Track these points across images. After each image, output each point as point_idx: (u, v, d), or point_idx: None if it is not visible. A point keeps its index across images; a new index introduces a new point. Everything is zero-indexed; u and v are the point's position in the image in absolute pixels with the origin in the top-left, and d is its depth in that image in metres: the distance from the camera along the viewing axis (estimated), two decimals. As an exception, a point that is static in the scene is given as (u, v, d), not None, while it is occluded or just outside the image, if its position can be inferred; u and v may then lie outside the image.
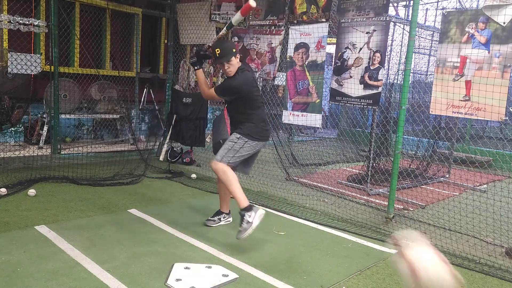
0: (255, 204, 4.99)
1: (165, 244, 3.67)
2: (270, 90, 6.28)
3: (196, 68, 3.95)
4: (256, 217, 3.56)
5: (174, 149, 7.14)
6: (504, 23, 3.89)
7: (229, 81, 3.82)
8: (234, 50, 3.77)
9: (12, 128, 7.10)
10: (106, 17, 7.87)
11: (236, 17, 3.95)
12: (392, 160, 4.54)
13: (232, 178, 3.71)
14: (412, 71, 6.61)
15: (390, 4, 6.07)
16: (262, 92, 6.71)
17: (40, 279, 2.91)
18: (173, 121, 6.97)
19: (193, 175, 6.21)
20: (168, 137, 7.09)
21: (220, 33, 4.02)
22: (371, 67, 4.88)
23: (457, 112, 4.21)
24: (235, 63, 3.78)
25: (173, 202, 4.98)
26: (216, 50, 3.73)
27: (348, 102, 5.12)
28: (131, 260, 3.30)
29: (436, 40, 7.53)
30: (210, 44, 3.99)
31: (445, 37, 4.31)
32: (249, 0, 3.75)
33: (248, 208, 3.59)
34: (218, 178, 4.10)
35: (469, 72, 4.12)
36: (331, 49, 6.66)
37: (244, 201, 3.63)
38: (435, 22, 8.36)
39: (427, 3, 9.16)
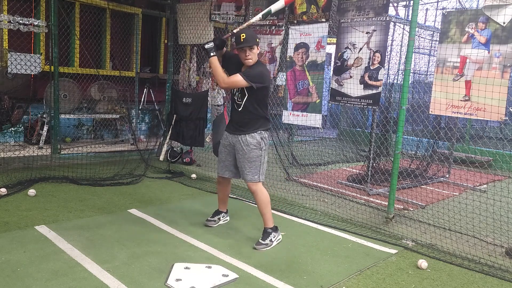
0: (254, 203, 5.00)
1: (165, 244, 3.67)
2: (273, 90, 6.27)
3: (212, 54, 3.67)
4: (277, 239, 3.87)
5: (174, 149, 7.14)
6: (504, 23, 3.89)
7: (258, 68, 3.68)
8: (257, 40, 3.68)
9: (12, 128, 7.09)
10: (106, 17, 7.87)
11: (278, 5, 3.80)
12: (392, 160, 4.54)
13: (268, 198, 3.86)
14: (412, 71, 6.62)
15: (390, 4, 6.07)
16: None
17: (40, 279, 2.91)
18: (173, 121, 6.97)
19: (193, 175, 6.21)
20: (168, 137, 7.09)
21: (252, 20, 3.87)
22: (371, 67, 4.88)
23: (457, 112, 4.21)
24: (256, 52, 3.66)
25: (173, 202, 4.98)
26: (242, 35, 3.58)
27: (348, 102, 5.12)
28: (131, 260, 3.30)
29: (436, 40, 7.53)
30: (234, 31, 3.79)
31: (445, 37, 4.31)
32: None
33: (275, 229, 3.87)
34: (221, 181, 4.12)
35: (469, 72, 4.11)
36: (331, 49, 6.66)
37: (272, 222, 3.87)
38: (435, 22, 8.37)
39: (427, 3, 9.16)
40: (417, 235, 4.23)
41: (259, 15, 3.85)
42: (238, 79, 3.59)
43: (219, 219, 4.27)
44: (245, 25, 3.86)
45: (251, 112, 3.73)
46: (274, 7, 3.81)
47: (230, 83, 3.66)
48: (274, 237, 3.81)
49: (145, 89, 8.42)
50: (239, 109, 3.77)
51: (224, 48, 3.91)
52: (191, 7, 6.80)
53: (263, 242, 3.74)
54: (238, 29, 3.77)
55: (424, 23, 8.82)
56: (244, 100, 3.72)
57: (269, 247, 3.74)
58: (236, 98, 3.80)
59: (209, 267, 3.26)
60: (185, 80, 7.25)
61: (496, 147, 8.07)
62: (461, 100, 4.16)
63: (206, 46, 3.70)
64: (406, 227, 4.45)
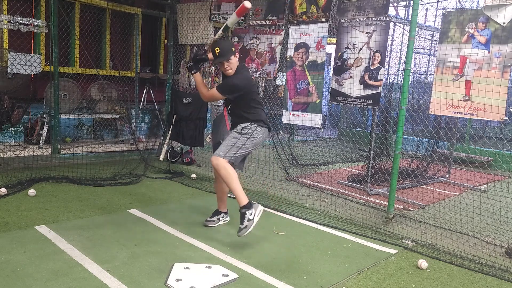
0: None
1: (165, 244, 3.67)
2: (273, 90, 6.28)
3: (192, 72, 3.94)
4: (256, 214, 3.64)
5: (174, 149, 7.14)
6: (504, 23, 3.89)
7: (230, 79, 3.83)
8: (233, 49, 3.78)
9: (12, 128, 7.09)
10: (106, 17, 7.87)
11: (232, 19, 3.97)
12: (392, 160, 4.54)
13: (233, 175, 3.70)
14: (412, 71, 6.62)
15: (390, 4, 6.07)
16: (265, 92, 6.72)
17: (40, 279, 2.91)
18: (173, 121, 6.97)
19: (193, 175, 6.21)
20: (168, 137, 7.09)
21: (216, 36, 4.04)
22: (371, 67, 4.88)
23: (457, 112, 4.21)
24: (234, 61, 3.80)
25: (173, 202, 4.99)
26: (216, 49, 3.73)
27: (348, 102, 5.12)
28: (131, 260, 3.30)
29: (436, 40, 7.53)
30: (206, 48, 4.04)
31: (445, 37, 4.31)
32: (244, 1, 3.76)
33: (248, 206, 3.65)
34: (217, 176, 4.10)
35: (469, 72, 4.11)
36: (331, 49, 6.66)
37: (244, 199, 3.67)
38: (435, 22, 8.37)
39: (427, 3, 9.16)
40: (417, 235, 4.23)
41: (220, 31, 4.03)
42: (214, 93, 3.83)
43: (218, 219, 4.27)
44: (211, 41, 4.05)
45: (237, 114, 3.92)
46: (229, 22, 3.99)
47: (209, 97, 3.98)
48: (250, 215, 3.59)
49: (145, 89, 8.43)
50: (229, 112, 4.04)
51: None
52: (191, 7, 6.81)
53: (242, 226, 3.57)
54: (208, 46, 4.02)
55: (424, 23, 8.82)
56: (230, 106, 3.97)
57: (251, 227, 3.58)
58: (226, 103, 4.04)
59: (209, 267, 3.26)
60: (185, 80, 7.25)
61: (496, 147, 8.06)
62: (461, 100, 4.16)
63: (187, 66, 4.01)
64: (406, 227, 4.45)
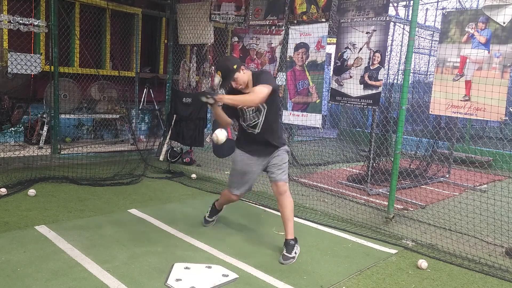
0: (254, 203, 5.01)
1: (165, 244, 3.67)
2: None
3: (219, 105, 3.43)
4: (298, 251, 3.67)
5: (174, 149, 7.14)
6: (504, 23, 3.89)
7: (260, 74, 3.58)
8: (235, 67, 3.45)
9: (12, 128, 7.09)
10: (106, 17, 7.87)
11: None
12: (392, 160, 4.54)
13: (293, 205, 3.77)
14: (412, 71, 6.62)
15: (390, 4, 6.07)
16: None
17: (40, 279, 2.91)
18: (173, 121, 6.97)
19: (193, 175, 6.21)
20: (168, 137, 7.09)
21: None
22: (371, 67, 4.88)
23: (457, 112, 4.21)
24: (241, 77, 3.50)
25: (173, 202, 4.98)
26: (218, 72, 3.47)
27: (348, 102, 5.12)
28: (131, 260, 3.30)
29: (436, 40, 7.53)
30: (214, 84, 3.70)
31: (445, 37, 4.31)
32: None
33: (296, 240, 3.68)
34: (223, 195, 4.04)
35: (469, 72, 4.12)
36: (331, 49, 6.66)
37: (293, 232, 3.70)
38: (435, 22, 8.37)
39: (427, 3, 9.16)
40: (417, 235, 4.23)
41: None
42: (263, 89, 3.33)
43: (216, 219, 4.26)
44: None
45: (273, 121, 3.65)
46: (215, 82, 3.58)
47: (261, 98, 3.36)
48: (297, 248, 3.63)
49: (145, 89, 8.43)
50: (259, 130, 3.62)
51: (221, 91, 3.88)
52: (191, 7, 6.81)
53: (289, 255, 3.53)
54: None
55: (424, 23, 8.82)
56: (264, 114, 3.56)
57: (294, 260, 3.56)
58: (249, 120, 3.61)
59: (209, 267, 3.26)
60: (185, 80, 7.25)
61: (496, 147, 8.07)
62: (461, 100, 4.16)
63: (208, 100, 3.24)
64: (406, 227, 4.45)
